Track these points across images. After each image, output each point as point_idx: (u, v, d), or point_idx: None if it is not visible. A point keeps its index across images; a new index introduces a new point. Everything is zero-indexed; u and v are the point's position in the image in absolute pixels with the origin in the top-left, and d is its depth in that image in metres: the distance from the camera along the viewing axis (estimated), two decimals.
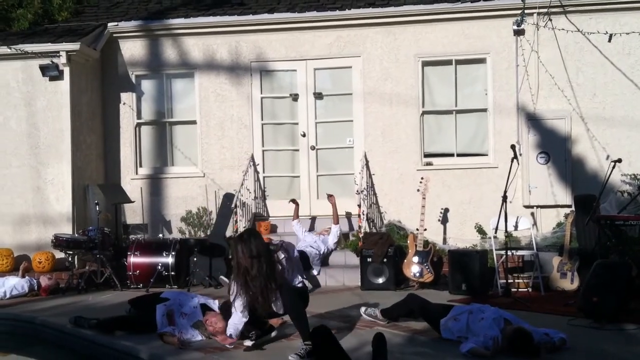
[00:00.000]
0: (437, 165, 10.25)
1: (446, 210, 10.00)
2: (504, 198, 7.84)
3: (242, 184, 9.89)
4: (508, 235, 7.99)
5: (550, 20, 9.82)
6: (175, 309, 6.29)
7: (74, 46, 9.93)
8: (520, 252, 8.63)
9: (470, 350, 5.32)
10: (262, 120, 10.74)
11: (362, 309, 6.68)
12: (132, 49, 10.95)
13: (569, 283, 8.24)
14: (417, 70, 10.29)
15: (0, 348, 7.58)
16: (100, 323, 6.48)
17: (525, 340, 5.26)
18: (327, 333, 5.19)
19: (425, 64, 10.35)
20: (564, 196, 9.76)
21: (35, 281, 8.87)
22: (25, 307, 7.98)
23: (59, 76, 9.99)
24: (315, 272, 9.15)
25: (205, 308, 6.35)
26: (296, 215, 9.71)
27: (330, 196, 9.73)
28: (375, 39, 10.40)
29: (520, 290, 8.22)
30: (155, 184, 10.83)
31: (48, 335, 7.09)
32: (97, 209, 9.37)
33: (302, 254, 9.08)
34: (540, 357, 5.19)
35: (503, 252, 8.04)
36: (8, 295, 8.59)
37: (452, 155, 10.31)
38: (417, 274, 8.56)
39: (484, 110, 10.24)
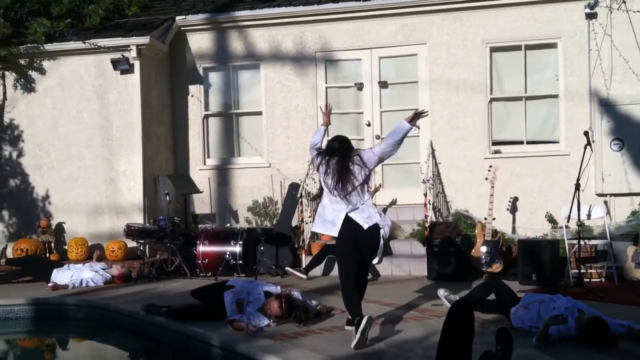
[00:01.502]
0: (506, 153, 10.03)
1: (515, 199, 9.79)
2: (577, 186, 7.62)
3: (307, 174, 9.91)
4: (580, 224, 7.75)
5: (624, 2, 9.45)
6: (244, 297, 6.39)
7: (144, 40, 10.14)
8: (593, 242, 8.37)
9: (537, 336, 5.21)
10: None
11: (442, 291, 6.57)
12: (200, 41, 11.11)
13: None
14: (484, 56, 10.09)
15: (77, 334, 7.92)
16: (171, 311, 6.63)
17: (603, 330, 5.10)
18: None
19: (494, 49, 10.13)
20: (639, 184, 9.40)
21: (108, 275, 9.10)
22: (100, 295, 8.23)
23: (129, 70, 10.23)
24: (376, 260, 9.03)
25: (268, 295, 6.43)
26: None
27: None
28: (442, 25, 10.24)
29: (593, 280, 8.02)
30: (223, 175, 10.99)
31: (121, 322, 7.28)
32: (167, 199, 9.56)
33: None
34: (617, 346, 5.03)
35: (575, 241, 7.82)
36: (84, 286, 8.87)
37: (521, 142, 10.07)
38: (486, 264, 8.41)
39: (555, 96, 9.95)
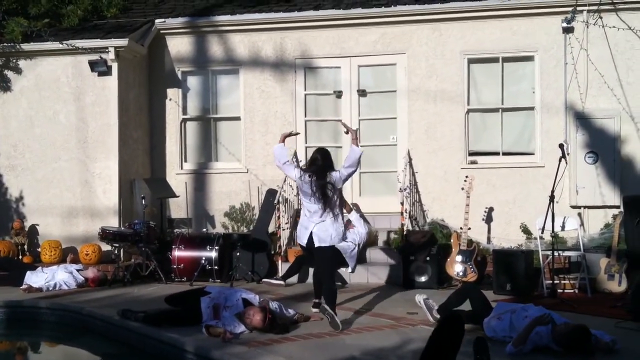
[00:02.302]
0: (482, 163, 10.14)
1: (491, 209, 9.89)
2: (551, 198, 7.72)
3: (284, 180, 9.90)
4: (554, 235, 7.85)
5: (601, 17, 9.63)
6: (221, 302, 6.37)
7: (122, 42, 10.07)
8: (566, 253, 8.46)
9: (513, 342, 5.28)
10: (305, 116, 10.77)
11: (419, 297, 6.60)
12: (179, 45, 11.08)
13: (617, 285, 8.07)
14: (462, 67, 10.20)
15: (50, 338, 7.81)
16: (147, 316, 6.58)
17: (585, 339, 5.17)
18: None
19: (472, 61, 10.25)
20: (612, 197, 9.57)
21: (82, 278, 9.01)
22: (73, 298, 8.14)
23: (107, 72, 10.14)
24: (350, 269, 9.05)
25: (247, 303, 6.42)
26: (349, 207, 9.50)
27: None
28: (421, 35, 10.33)
29: (566, 291, 8.13)
30: (200, 179, 10.95)
31: (95, 326, 7.20)
32: (143, 202, 9.49)
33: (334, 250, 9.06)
34: (594, 357, 5.10)
35: (549, 252, 7.90)
36: (58, 289, 8.77)
37: (497, 154, 10.19)
38: (461, 273, 8.49)
39: (531, 108, 10.09)
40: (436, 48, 10.28)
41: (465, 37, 10.20)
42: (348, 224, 9.46)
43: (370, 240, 9.54)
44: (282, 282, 8.72)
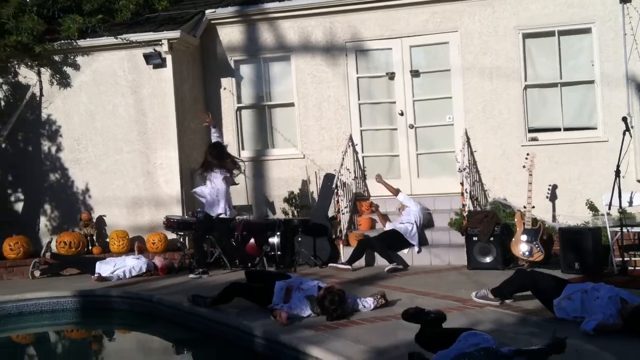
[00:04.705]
0: (543, 140, 9.96)
1: (554, 186, 9.71)
2: (617, 172, 7.55)
3: (341, 164, 9.92)
4: (622, 211, 7.67)
5: None
6: (294, 285, 6.46)
7: (175, 34, 10.18)
8: (636, 229, 8.20)
9: (597, 327, 5.15)
10: (359, 100, 10.74)
11: (473, 294, 6.56)
12: (230, 34, 11.15)
13: None
14: (517, 42, 10.01)
15: (121, 325, 8.06)
16: (218, 295, 6.70)
17: None
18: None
19: (526, 35, 10.04)
20: None
21: (151, 263, 9.27)
22: (143, 286, 8.37)
23: (161, 64, 10.29)
24: (416, 248, 9.12)
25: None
26: (394, 190, 9.67)
27: (377, 178, 9.87)
28: (473, 12, 10.17)
29: (637, 268, 7.92)
30: (258, 166, 11.06)
31: (165, 312, 7.40)
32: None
33: (394, 233, 9.10)
34: None
35: (617, 229, 7.75)
36: (128, 276, 9.02)
37: (558, 129, 9.98)
38: (527, 253, 8.36)
39: (591, 82, 9.85)
40: (489, 25, 10.11)
41: (519, 12, 9.99)
42: (401, 207, 9.55)
43: (426, 218, 9.54)
44: (349, 267, 8.80)
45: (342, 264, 8.92)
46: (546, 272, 6.88)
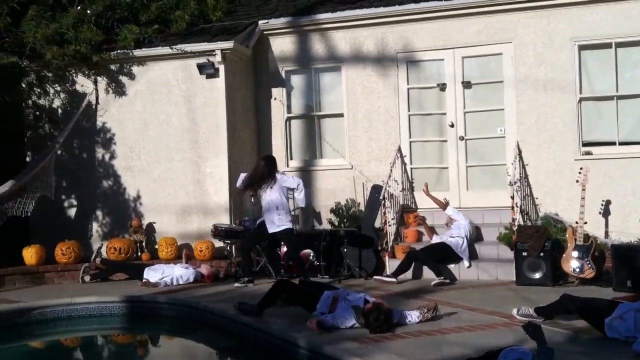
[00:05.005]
0: (597, 154, 9.69)
1: (608, 202, 9.43)
2: None
3: (389, 176, 9.88)
4: None
5: None
6: (341, 295, 6.47)
7: (228, 45, 10.32)
8: None
9: None
10: (409, 111, 10.67)
11: (514, 311, 6.42)
12: (282, 45, 11.25)
13: None
14: (573, 54, 9.79)
15: (167, 331, 8.16)
16: (264, 297, 6.82)
17: None
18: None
19: (582, 47, 9.81)
20: None
21: (199, 273, 9.35)
22: (189, 293, 8.46)
23: (214, 74, 10.43)
24: (466, 263, 8.99)
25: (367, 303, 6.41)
26: (442, 203, 9.56)
27: (424, 189, 9.78)
28: (527, 23, 10.00)
29: None
30: (305, 176, 11.03)
31: (210, 320, 7.45)
32: (252, 200, 9.73)
33: (444, 246, 8.98)
34: None
35: None
36: (175, 284, 9.13)
37: (613, 143, 9.70)
38: (577, 270, 8.14)
39: None
40: (544, 36, 9.92)
41: (575, 24, 9.78)
42: (449, 220, 9.43)
43: (473, 232, 9.41)
44: (394, 279, 8.72)
45: (387, 276, 8.85)
46: (595, 289, 6.72)
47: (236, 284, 8.83)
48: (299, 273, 8.97)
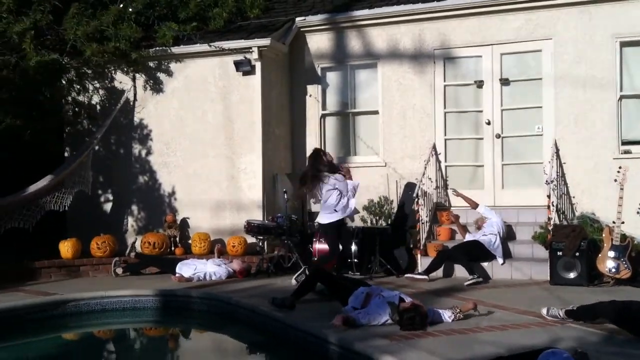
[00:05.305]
0: (637, 153, 9.46)
1: None
2: None
3: (423, 174, 9.78)
4: None
5: None
6: (375, 292, 6.47)
7: (265, 42, 10.35)
8: None
9: None
10: (444, 108, 10.57)
11: (544, 311, 6.33)
12: (318, 41, 11.25)
13: None
14: (614, 51, 9.57)
15: (199, 325, 8.22)
16: (300, 286, 7.10)
17: None
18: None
19: (624, 44, 9.59)
20: None
21: (231, 270, 9.39)
22: (221, 288, 8.50)
23: (251, 71, 10.48)
24: (500, 260, 8.88)
25: (402, 301, 6.36)
26: (473, 202, 9.46)
27: (454, 192, 9.77)
28: (568, 19, 9.82)
29: None
30: None
31: (242, 315, 7.47)
32: (285, 197, 9.75)
33: (477, 244, 8.87)
34: None
35: None
36: (208, 279, 9.18)
37: None
38: (613, 270, 7.98)
39: None
40: (585, 32, 9.72)
41: (617, 20, 9.56)
42: (480, 219, 9.32)
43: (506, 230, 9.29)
44: (425, 277, 8.66)
45: (419, 274, 8.79)
46: (631, 289, 6.55)
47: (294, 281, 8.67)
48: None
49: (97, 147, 11.00)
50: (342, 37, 11.12)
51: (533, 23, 10.02)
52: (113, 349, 7.62)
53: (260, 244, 9.82)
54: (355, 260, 9.22)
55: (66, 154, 11.37)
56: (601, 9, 9.64)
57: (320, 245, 9.37)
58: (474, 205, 9.43)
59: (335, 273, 8.58)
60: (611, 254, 8.05)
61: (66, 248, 10.00)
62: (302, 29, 11.23)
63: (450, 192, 9.92)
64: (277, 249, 10.09)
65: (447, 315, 6.28)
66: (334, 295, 6.80)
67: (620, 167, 8.54)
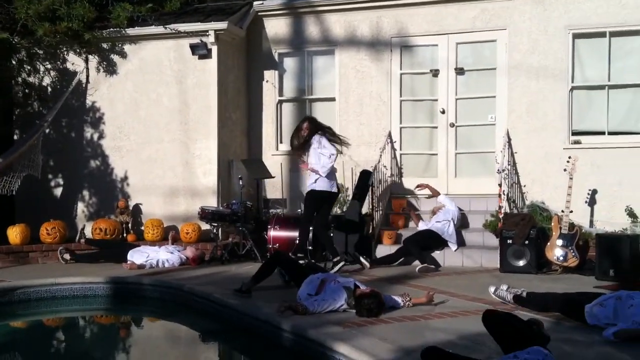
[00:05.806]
0: (586, 143, 9.68)
1: (594, 191, 9.44)
2: None
3: (379, 161, 9.85)
4: None
5: None
6: (330, 278, 6.51)
7: (222, 25, 10.24)
8: None
9: (617, 332, 5.05)
10: (400, 96, 10.64)
11: (491, 289, 6.44)
12: (276, 27, 11.17)
13: None
14: (567, 42, 9.75)
15: (151, 313, 8.13)
16: (258, 271, 6.95)
17: None
18: None
19: (577, 36, 9.77)
20: None
21: (185, 257, 9.30)
22: (174, 276, 8.42)
23: (207, 55, 10.36)
24: (453, 247, 9.01)
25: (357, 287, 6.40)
26: (437, 192, 9.59)
27: (420, 186, 9.80)
28: (523, 10, 9.95)
29: None
30: (294, 160, 10.92)
31: (195, 302, 7.41)
32: (241, 183, 9.70)
33: (430, 233, 8.99)
34: None
35: None
36: (160, 266, 9.09)
37: (602, 133, 9.70)
38: (561, 258, 8.18)
39: None
40: (539, 23, 9.87)
41: (570, 12, 9.73)
42: (437, 207, 9.44)
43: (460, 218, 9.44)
44: (366, 264, 8.69)
45: (365, 258, 8.82)
46: (577, 277, 6.69)
47: (334, 269, 8.43)
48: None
49: (47, 130, 10.75)
50: (300, 22, 11.06)
51: (489, 13, 10.12)
52: (63, 337, 7.47)
53: (215, 230, 9.76)
54: (309, 247, 9.22)
55: (15, 137, 11.10)
56: (555, 0, 9.78)
57: (275, 233, 9.37)
58: (436, 194, 9.55)
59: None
60: (559, 242, 8.23)
61: (15, 234, 9.77)
62: (259, 13, 11.14)
63: (416, 190, 9.97)
64: (231, 236, 10.03)
65: (399, 300, 6.35)
66: (294, 280, 6.81)
67: (569, 157, 8.74)
